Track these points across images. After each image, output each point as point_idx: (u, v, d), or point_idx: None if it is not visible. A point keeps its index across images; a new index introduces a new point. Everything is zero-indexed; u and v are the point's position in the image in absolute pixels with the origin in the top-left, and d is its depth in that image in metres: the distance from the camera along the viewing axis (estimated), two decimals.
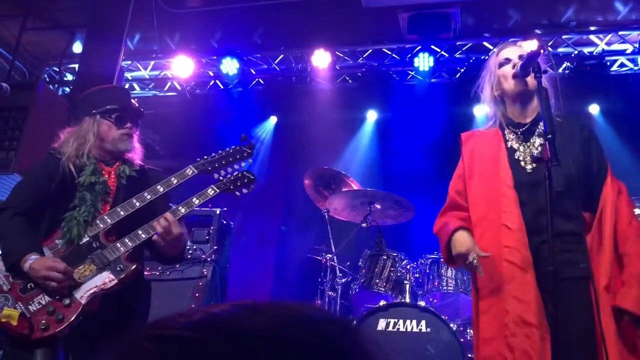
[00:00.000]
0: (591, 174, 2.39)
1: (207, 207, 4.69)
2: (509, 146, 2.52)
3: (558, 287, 2.08)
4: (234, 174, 2.77)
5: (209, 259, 4.58)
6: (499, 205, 2.41)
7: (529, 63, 2.37)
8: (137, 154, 2.93)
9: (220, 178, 2.75)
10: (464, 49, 6.47)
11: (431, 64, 6.38)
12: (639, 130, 5.88)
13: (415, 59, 6.41)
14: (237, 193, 2.77)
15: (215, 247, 4.64)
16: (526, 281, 2.26)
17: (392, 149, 6.68)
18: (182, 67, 6.76)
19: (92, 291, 2.54)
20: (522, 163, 2.46)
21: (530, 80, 2.43)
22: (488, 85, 2.63)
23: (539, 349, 2.15)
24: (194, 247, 4.58)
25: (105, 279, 2.57)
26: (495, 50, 2.74)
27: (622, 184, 2.42)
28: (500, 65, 2.57)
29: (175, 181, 2.73)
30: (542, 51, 2.36)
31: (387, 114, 6.95)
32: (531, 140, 2.49)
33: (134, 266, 2.61)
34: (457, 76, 6.63)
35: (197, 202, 2.70)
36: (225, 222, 4.86)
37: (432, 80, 6.72)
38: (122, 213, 2.66)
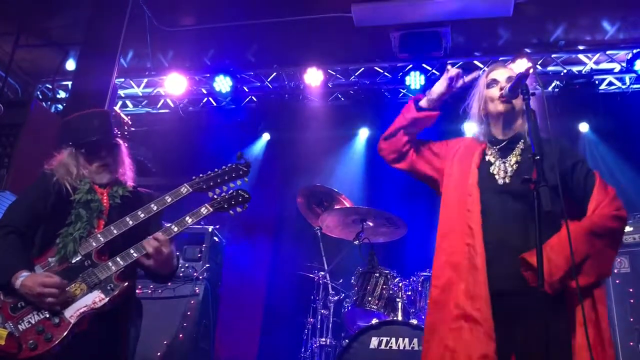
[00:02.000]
0: (578, 187, 2.46)
1: (199, 224, 4.69)
2: (486, 159, 2.60)
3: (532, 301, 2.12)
4: (229, 193, 2.76)
5: (200, 277, 4.58)
6: (466, 205, 2.48)
7: (517, 85, 2.43)
8: (128, 173, 2.93)
9: (215, 197, 2.74)
10: (455, 67, 6.50)
11: (422, 82, 6.43)
12: (628, 147, 5.94)
13: (407, 78, 6.46)
14: (231, 212, 2.77)
15: (207, 265, 4.63)
16: (479, 280, 2.32)
17: (384, 167, 6.66)
18: (175, 84, 6.79)
19: (81, 310, 2.52)
20: (496, 177, 2.52)
21: (518, 102, 2.49)
22: (476, 105, 2.69)
23: (479, 345, 2.23)
24: (186, 264, 4.57)
25: (96, 298, 2.55)
26: (485, 69, 2.78)
27: (610, 188, 2.46)
28: (488, 86, 2.64)
29: (169, 200, 2.73)
30: (530, 73, 2.41)
31: (379, 131, 6.92)
32: (507, 158, 2.55)
33: (125, 285, 2.60)
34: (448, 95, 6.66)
35: (190, 221, 2.69)
36: (217, 240, 4.86)
37: None
38: (115, 231, 2.66)
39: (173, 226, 2.69)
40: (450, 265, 2.46)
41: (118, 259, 2.61)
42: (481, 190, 2.50)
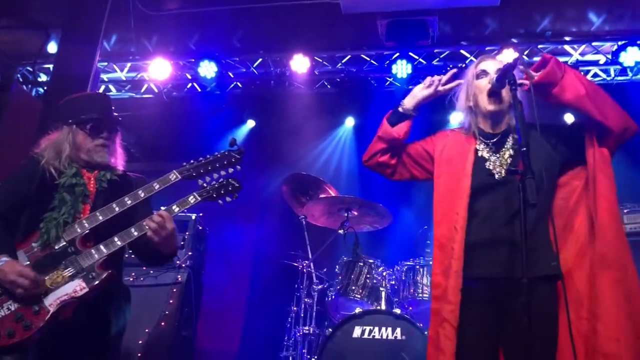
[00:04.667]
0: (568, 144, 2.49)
1: (182, 212, 4.65)
2: (479, 155, 2.58)
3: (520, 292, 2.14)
4: (219, 181, 2.67)
5: (183, 265, 4.54)
6: (455, 208, 2.48)
7: (505, 75, 2.41)
8: (119, 161, 2.87)
9: (204, 185, 2.66)
10: (441, 56, 6.51)
11: (409, 70, 6.39)
12: None
13: (394, 66, 6.41)
14: (220, 202, 2.68)
15: (190, 253, 4.60)
16: (453, 285, 2.35)
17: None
18: (159, 69, 6.68)
19: (62, 299, 2.48)
20: (493, 172, 2.51)
21: (505, 92, 2.48)
22: (464, 95, 2.67)
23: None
24: None
25: (77, 286, 2.50)
26: (474, 60, 2.76)
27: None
28: (478, 76, 2.62)
29: (157, 186, 2.66)
30: (517, 63, 2.40)
31: (366, 120, 6.96)
32: (501, 152, 2.55)
33: (108, 273, 2.54)
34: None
35: (176, 209, 2.63)
36: (200, 228, 4.82)
37: (410, 87, 6.70)
38: (100, 218, 2.60)
39: (173, 207, 2.63)
40: (442, 272, 2.46)
41: (102, 246, 2.56)
42: (477, 190, 2.49)
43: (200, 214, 4.80)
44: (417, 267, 4.46)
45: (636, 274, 2.30)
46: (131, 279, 4.29)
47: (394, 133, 2.66)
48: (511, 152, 2.53)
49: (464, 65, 6.33)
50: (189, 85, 7.09)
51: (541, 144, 2.47)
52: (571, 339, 2.14)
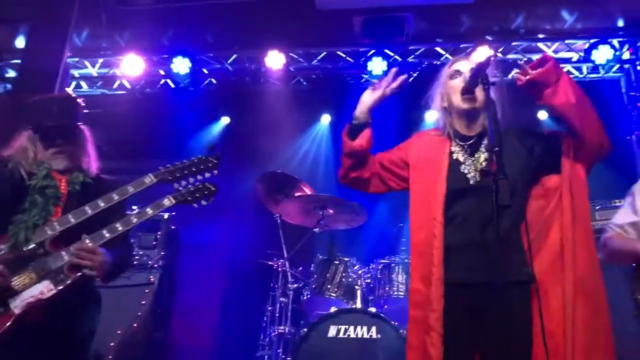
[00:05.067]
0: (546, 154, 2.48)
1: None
2: (454, 158, 2.55)
3: (500, 294, 2.14)
4: (195, 185, 2.67)
5: (156, 265, 4.47)
6: (432, 213, 2.46)
7: (478, 74, 2.40)
8: (93, 163, 2.84)
9: (180, 188, 2.65)
10: (417, 53, 6.51)
11: (385, 67, 6.37)
12: None
13: (369, 63, 6.40)
14: (195, 205, 2.68)
15: (162, 253, 4.53)
16: (434, 292, 2.33)
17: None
18: (131, 65, 6.57)
19: (28, 301, 2.42)
20: (467, 176, 2.48)
21: (479, 92, 2.46)
22: (438, 96, 2.66)
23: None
24: (141, 252, 4.46)
25: (44, 288, 2.45)
26: (450, 58, 2.75)
27: None
28: (451, 77, 2.60)
29: (131, 190, 2.63)
30: (490, 62, 2.39)
31: (341, 117, 6.93)
32: (476, 155, 2.52)
33: (77, 276, 2.49)
34: (410, 80, 6.67)
35: (151, 212, 2.61)
36: (173, 227, 4.75)
37: None
38: (72, 220, 2.55)
39: (133, 217, 2.60)
40: (422, 279, 2.44)
41: (72, 248, 2.50)
42: (452, 194, 2.46)
43: (173, 213, 4.72)
44: (393, 265, 4.46)
45: (606, 300, 2.34)
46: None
47: (356, 146, 2.63)
48: (486, 155, 2.49)
49: (438, 63, 6.35)
50: (162, 81, 7.00)
51: (517, 148, 2.46)
52: (545, 345, 2.14)
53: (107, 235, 2.54)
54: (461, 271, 2.38)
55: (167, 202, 2.63)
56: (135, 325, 4.18)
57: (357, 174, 2.68)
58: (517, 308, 2.27)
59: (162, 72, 6.91)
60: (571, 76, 6.31)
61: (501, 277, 2.17)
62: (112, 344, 4.02)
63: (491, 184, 2.18)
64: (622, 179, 5.18)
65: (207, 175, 2.70)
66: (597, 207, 4.67)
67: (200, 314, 5.68)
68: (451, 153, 2.56)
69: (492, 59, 2.44)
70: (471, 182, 2.47)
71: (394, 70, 2.72)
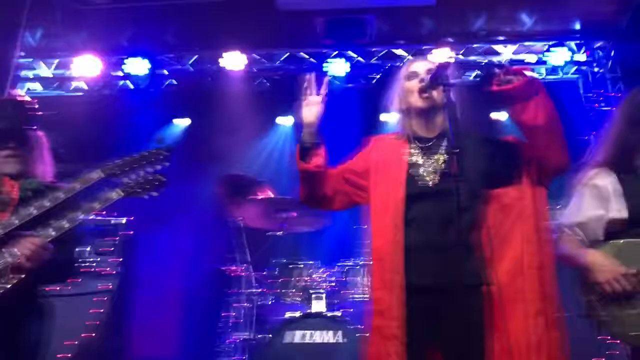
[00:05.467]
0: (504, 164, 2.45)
1: (111, 216, 4.47)
2: (413, 160, 2.51)
3: (458, 298, 2.13)
4: (144, 177, 2.56)
5: (113, 272, 4.34)
6: (394, 220, 2.41)
7: (437, 77, 2.37)
8: (48, 169, 2.74)
9: (129, 182, 2.54)
10: (379, 55, 6.52)
11: (347, 69, 6.38)
12: None
13: (332, 64, 6.38)
14: (145, 196, 2.56)
15: (120, 259, 4.39)
16: (400, 300, 2.30)
17: None
18: (88, 66, 6.40)
19: None
20: (426, 179, 2.45)
21: (437, 94, 2.44)
22: (396, 98, 2.61)
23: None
24: (97, 259, 4.32)
25: None
26: (406, 60, 2.71)
27: None
28: (408, 78, 2.57)
29: (78, 186, 2.51)
30: (449, 64, 2.38)
31: None
32: (435, 157, 2.49)
33: (19, 278, 2.38)
34: (373, 82, 6.68)
35: (98, 206, 2.49)
36: (131, 233, 4.62)
37: (348, 85, 6.72)
38: (16, 222, 2.43)
39: (79, 213, 2.48)
40: (383, 286, 2.39)
41: (15, 249, 2.38)
42: (411, 198, 2.42)
43: (131, 218, 4.60)
44: (357, 267, 4.43)
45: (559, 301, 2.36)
46: (57, 288, 4.04)
47: (312, 168, 2.53)
48: (445, 157, 2.46)
49: (401, 65, 6.35)
50: (121, 82, 6.85)
51: (478, 152, 2.43)
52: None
53: (53, 233, 2.44)
54: (422, 276, 2.34)
55: (114, 195, 2.52)
56: (91, 334, 4.03)
57: (320, 194, 2.60)
58: (477, 312, 2.25)
59: (120, 73, 6.73)
60: None
61: (461, 281, 2.15)
62: (70, 355, 3.87)
63: (451, 186, 2.15)
64: None
65: (158, 167, 2.59)
66: (557, 208, 4.74)
67: (160, 321, 5.54)
68: (410, 156, 2.52)
69: (451, 61, 2.42)
70: (430, 184, 2.44)
71: (310, 76, 2.63)
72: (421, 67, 2.56)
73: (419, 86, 2.49)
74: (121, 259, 4.40)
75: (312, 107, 2.56)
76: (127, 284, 4.48)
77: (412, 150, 2.53)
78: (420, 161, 2.49)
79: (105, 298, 4.20)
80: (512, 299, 2.29)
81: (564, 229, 2.74)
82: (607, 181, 2.65)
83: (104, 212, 4.51)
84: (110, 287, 4.27)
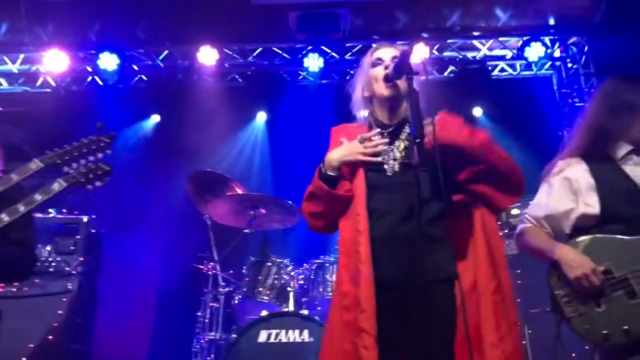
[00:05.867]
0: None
1: (73, 214, 4.32)
2: None
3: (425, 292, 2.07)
4: (87, 166, 2.46)
5: (74, 272, 4.18)
6: (356, 209, 2.32)
7: (401, 64, 2.29)
8: None
9: (70, 171, 2.44)
10: (353, 50, 6.44)
11: (321, 64, 6.29)
12: (520, 132, 6.09)
13: (306, 59, 6.28)
14: (89, 186, 2.45)
15: (82, 259, 4.24)
16: (365, 292, 2.19)
17: (281, 151, 6.52)
18: (55, 61, 6.24)
19: None
20: (385, 166, 2.37)
21: (402, 82, 2.35)
22: (360, 86, 2.52)
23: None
24: (58, 258, 4.16)
25: None
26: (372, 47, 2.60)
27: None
28: (373, 65, 2.48)
29: (15, 178, 2.41)
30: (412, 50, 2.30)
31: (277, 114, 6.78)
32: (396, 143, 2.40)
33: None
34: (347, 78, 6.59)
35: (39, 198, 2.39)
36: (94, 231, 4.46)
37: (322, 81, 6.62)
38: None
39: (20, 206, 2.37)
40: (350, 279, 2.29)
41: None
42: (370, 186, 2.34)
43: (94, 216, 4.45)
44: (327, 265, 4.32)
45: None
46: (14, 289, 3.90)
47: (342, 193, 2.36)
48: (406, 143, 2.39)
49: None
50: (90, 78, 6.66)
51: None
52: (469, 346, 2.04)
53: None
54: (387, 269, 2.25)
55: (56, 186, 2.41)
56: (50, 337, 3.87)
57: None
58: (443, 306, 2.18)
59: (89, 69, 6.59)
60: (505, 73, 6.51)
61: (427, 275, 2.09)
62: (24, 358, 3.71)
63: (411, 176, 2.08)
64: None
65: (100, 155, 2.48)
66: (519, 204, 4.69)
67: (127, 323, 5.37)
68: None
69: (414, 47, 2.33)
70: (389, 173, 2.35)
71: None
72: (387, 53, 2.47)
73: (383, 73, 2.40)
74: (83, 259, 4.25)
75: (361, 157, 2.35)
76: (90, 285, 4.32)
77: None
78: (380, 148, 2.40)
79: (65, 299, 4.05)
80: (474, 291, 2.22)
81: (531, 220, 2.66)
82: (579, 174, 2.57)
83: (65, 210, 4.40)
84: (71, 287, 4.12)
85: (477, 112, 6.57)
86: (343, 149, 2.38)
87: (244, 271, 4.41)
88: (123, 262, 5.30)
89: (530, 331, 4.24)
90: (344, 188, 2.38)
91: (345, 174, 2.40)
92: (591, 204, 2.50)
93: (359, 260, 2.25)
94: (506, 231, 4.58)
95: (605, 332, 2.36)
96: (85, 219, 4.37)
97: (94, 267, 4.45)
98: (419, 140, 2.06)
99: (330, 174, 2.37)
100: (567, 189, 2.57)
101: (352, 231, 2.32)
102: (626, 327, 2.33)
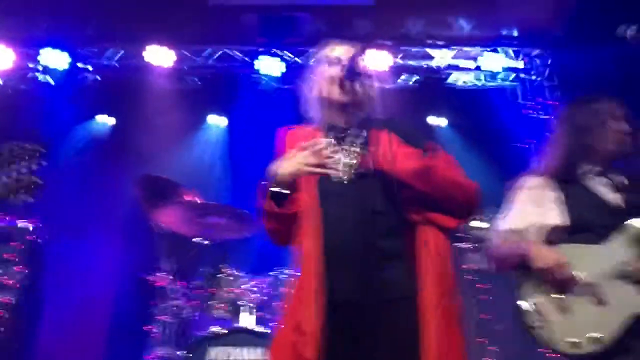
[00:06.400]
0: None
1: (12, 223, 4.03)
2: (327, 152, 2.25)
3: (378, 310, 1.99)
4: (15, 178, 2.14)
5: (12, 284, 3.90)
6: (310, 219, 2.16)
7: (354, 65, 2.17)
8: None
9: None
10: (314, 55, 6.30)
11: (282, 69, 6.18)
12: (483, 142, 6.07)
13: (264, 62, 6.15)
14: (18, 202, 2.20)
15: (22, 270, 3.96)
16: (309, 312, 2.03)
17: (239, 157, 6.32)
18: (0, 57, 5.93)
19: None
20: (340, 172, 2.20)
21: (358, 86, 2.22)
22: (316, 86, 2.35)
23: None
24: None
25: None
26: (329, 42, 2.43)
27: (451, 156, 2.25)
28: (330, 63, 2.32)
29: None
30: (366, 52, 2.18)
31: (235, 118, 6.58)
32: (351, 149, 2.25)
33: None
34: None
35: None
36: (38, 241, 4.18)
37: (283, 85, 6.46)
38: None
39: None
40: (297, 295, 2.12)
41: None
42: (322, 193, 2.18)
43: (39, 225, 4.16)
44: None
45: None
46: None
47: (290, 212, 2.19)
48: (357, 148, 2.24)
49: None
50: (40, 77, 6.34)
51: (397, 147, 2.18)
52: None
53: None
54: (339, 285, 2.08)
55: None
56: None
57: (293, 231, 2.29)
58: (401, 326, 2.05)
59: (38, 67, 6.27)
60: (469, 84, 6.48)
61: (382, 293, 2.01)
62: None
63: (365, 184, 1.98)
64: None
65: (34, 167, 2.17)
66: (485, 217, 4.64)
67: (75, 338, 5.07)
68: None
69: (367, 49, 2.19)
70: (345, 180, 2.19)
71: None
72: (345, 52, 2.30)
73: (340, 75, 2.25)
74: (23, 270, 3.96)
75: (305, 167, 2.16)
76: (31, 299, 4.03)
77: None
78: (334, 154, 2.24)
79: (3, 314, 3.76)
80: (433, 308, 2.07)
81: (499, 236, 2.65)
82: (548, 188, 2.60)
83: (7, 217, 4.11)
84: (9, 301, 3.83)
85: (441, 122, 6.52)
86: (290, 163, 2.16)
87: (200, 283, 4.20)
88: (70, 270, 5.00)
89: (497, 349, 4.18)
90: (296, 200, 2.21)
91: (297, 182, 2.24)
92: (560, 215, 2.53)
93: (308, 275, 2.10)
94: (472, 245, 4.51)
95: (572, 340, 2.34)
96: (29, 226, 4.08)
97: (35, 278, 4.17)
98: (373, 149, 1.94)
99: (280, 190, 2.18)
100: (537, 202, 2.59)
101: (305, 243, 2.16)
102: (593, 334, 2.31)
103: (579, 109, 2.73)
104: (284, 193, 2.16)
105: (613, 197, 2.54)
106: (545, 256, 2.43)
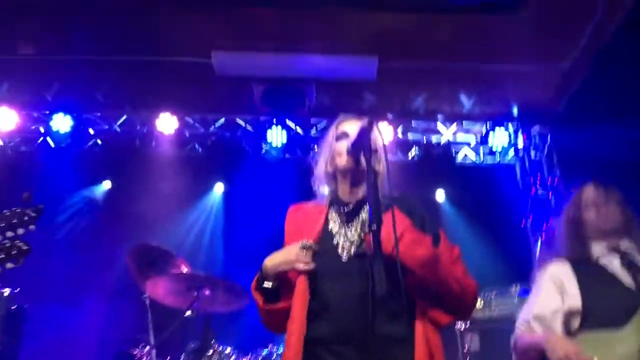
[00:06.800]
0: None
1: None
2: (329, 228, 2.21)
3: None
4: (2, 243, 2.09)
5: None
6: (303, 298, 2.07)
7: (359, 140, 2.14)
8: None
9: None
10: (318, 127, 6.36)
11: (285, 139, 6.20)
12: (482, 219, 5.99)
13: (269, 133, 6.19)
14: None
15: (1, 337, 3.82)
16: None
17: (238, 227, 6.25)
18: (3, 119, 6.02)
19: None
20: (340, 250, 2.14)
21: (363, 158, 2.17)
22: (323, 160, 2.35)
23: None
24: None
25: None
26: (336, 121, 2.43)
27: (456, 247, 2.21)
28: (338, 139, 2.31)
29: None
30: (373, 126, 2.14)
31: (237, 188, 6.57)
32: (353, 223, 2.20)
33: None
34: (311, 154, 6.46)
35: None
36: (17, 307, 4.05)
37: (286, 155, 6.48)
38: None
39: None
40: None
41: None
42: (320, 270, 2.10)
43: (16, 290, 4.04)
44: (274, 356, 3.98)
45: None
46: None
47: (281, 307, 2.17)
48: (361, 227, 2.18)
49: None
50: (41, 139, 6.39)
51: (402, 224, 2.10)
52: None
53: None
54: None
55: None
56: None
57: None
58: None
59: (41, 130, 6.35)
60: (468, 161, 6.45)
61: None
62: None
63: (366, 266, 1.91)
64: (518, 264, 5.09)
65: (21, 231, 2.13)
66: (494, 293, 4.51)
67: None
68: (326, 221, 2.23)
69: (374, 123, 2.15)
70: (344, 259, 2.12)
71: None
72: (352, 127, 2.29)
73: (347, 148, 2.24)
74: (2, 338, 3.82)
75: (301, 266, 2.12)
76: None
77: (330, 215, 2.25)
78: (336, 228, 2.20)
79: None
80: None
81: (522, 324, 2.70)
82: (562, 271, 2.67)
83: None
84: None
85: (440, 196, 6.47)
86: (280, 256, 2.14)
87: (182, 358, 4.02)
88: (51, 339, 4.82)
89: None
90: (287, 295, 2.14)
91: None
92: (574, 297, 2.57)
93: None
94: (467, 325, 4.36)
95: None
96: (6, 292, 3.96)
97: (13, 347, 4.01)
98: (374, 228, 1.85)
99: (267, 284, 2.13)
100: (554, 286, 2.66)
101: (291, 326, 2.06)
102: None
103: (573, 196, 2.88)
104: (270, 288, 2.13)
105: (628, 279, 2.56)
106: (562, 346, 2.42)
